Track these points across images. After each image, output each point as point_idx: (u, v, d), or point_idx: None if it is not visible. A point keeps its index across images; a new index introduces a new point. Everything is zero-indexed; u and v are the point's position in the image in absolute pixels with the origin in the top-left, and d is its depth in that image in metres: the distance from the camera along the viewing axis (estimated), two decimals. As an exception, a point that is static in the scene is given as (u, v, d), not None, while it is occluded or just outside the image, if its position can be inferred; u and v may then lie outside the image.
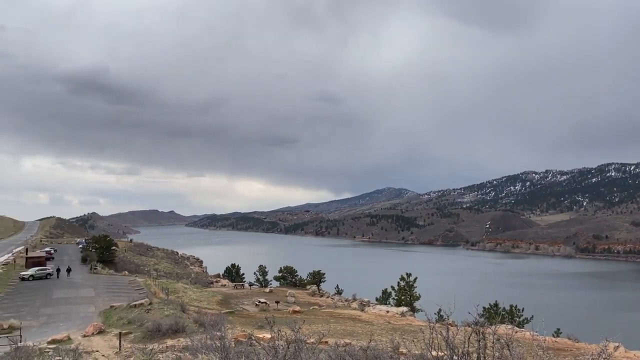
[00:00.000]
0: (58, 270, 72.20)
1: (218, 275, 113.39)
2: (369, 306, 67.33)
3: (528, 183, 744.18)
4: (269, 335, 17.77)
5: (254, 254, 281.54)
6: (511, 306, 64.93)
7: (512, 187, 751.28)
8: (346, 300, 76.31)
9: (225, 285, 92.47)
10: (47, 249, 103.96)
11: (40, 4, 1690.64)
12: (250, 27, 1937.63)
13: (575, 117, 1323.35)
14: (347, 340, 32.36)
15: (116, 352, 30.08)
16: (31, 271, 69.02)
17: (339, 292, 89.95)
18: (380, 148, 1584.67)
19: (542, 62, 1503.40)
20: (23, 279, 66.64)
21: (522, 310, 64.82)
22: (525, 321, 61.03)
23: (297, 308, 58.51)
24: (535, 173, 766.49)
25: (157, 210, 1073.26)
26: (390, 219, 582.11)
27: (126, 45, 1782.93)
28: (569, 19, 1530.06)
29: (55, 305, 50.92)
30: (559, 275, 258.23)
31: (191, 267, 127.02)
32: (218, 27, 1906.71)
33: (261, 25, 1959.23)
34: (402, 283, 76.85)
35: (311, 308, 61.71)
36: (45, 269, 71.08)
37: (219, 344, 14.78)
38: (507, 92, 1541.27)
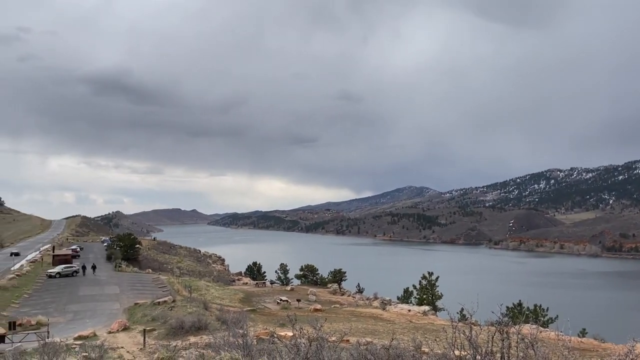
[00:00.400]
0: (84, 267, 73.58)
1: (240, 274, 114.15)
2: (390, 305, 67.09)
3: (552, 181, 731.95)
4: (290, 333, 17.83)
5: (275, 252, 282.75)
6: (535, 306, 64.00)
7: (536, 185, 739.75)
8: (367, 299, 76.17)
9: (246, 283, 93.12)
10: (74, 247, 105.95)
11: (64, 6, 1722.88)
12: (270, 26, 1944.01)
13: (601, 113, 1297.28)
14: (369, 339, 32.29)
15: (140, 349, 30.52)
16: (58, 269, 70.48)
17: (360, 291, 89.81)
18: (401, 146, 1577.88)
19: (567, 57, 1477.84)
20: (50, 276, 68.07)
21: (547, 309, 63.83)
22: (550, 321, 60.10)
23: (319, 306, 58.58)
24: (560, 171, 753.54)
25: (179, 209, 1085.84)
26: (412, 217, 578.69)
27: (148, 46, 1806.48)
28: (596, 13, 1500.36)
29: (81, 302, 51.93)
30: (584, 275, 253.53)
31: (213, 265, 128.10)
32: (238, 27, 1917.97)
33: (280, 24, 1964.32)
34: (424, 282, 76.42)
35: (332, 306, 61.75)
36: (72, 267, 72.47)
37: (241, 342, 14.89)
38: (530, 88, 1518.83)
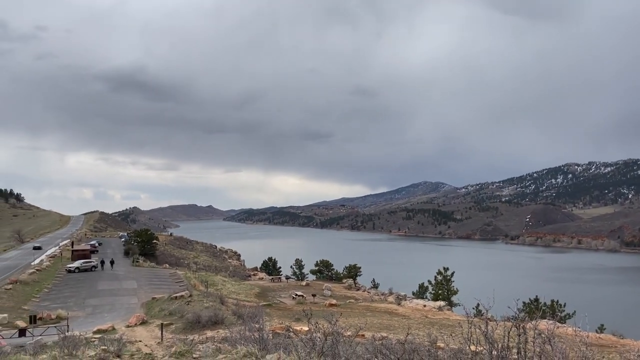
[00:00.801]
0: (102, 262, 74.63)
1: (255, 269, 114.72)
2: (405, 300, 66.99)
3: (570, 175, 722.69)
4: (306, 328, 17.94)
5: (291, 247, 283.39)
6: (552, 301, 63.37)
7: (553, 180, 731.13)
8: (382, 294, 76.09)
9: (262, 278, 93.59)
10: (92, 242, 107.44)
11: (80, 4, 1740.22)
12: (284, 22, 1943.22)
13: (620, 106, 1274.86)
14: (384, 334, 32.30)
15: (158, 343, 30.85)
16: (77, 263, 71.57)
17: (375, 286, 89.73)
18: (416, 141, 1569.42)
19: (585, 49, 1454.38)
20: (69, 271, 69.16)
21: (564, 305, 63.19)
22: (567, 316, 59.53)
23: (334, 301, 58.71)
24: (578, 165, 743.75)
25: (195, 205, 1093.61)
26: (427, 213, 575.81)
27: (163, 43, 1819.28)
28: (613, 4, 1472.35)
29: (100, 297, 52.67)
30: (603, 270, 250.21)
31: (229, 261, 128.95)
32: (252, 23, 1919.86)
33: (294, 20, 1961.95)
34: (439, 277, 76.13)
35: (347, 301, 61.82)
36: (90, 262, 73.55)
37: (257, 336, 15.00)
38: (547, 82, 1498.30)
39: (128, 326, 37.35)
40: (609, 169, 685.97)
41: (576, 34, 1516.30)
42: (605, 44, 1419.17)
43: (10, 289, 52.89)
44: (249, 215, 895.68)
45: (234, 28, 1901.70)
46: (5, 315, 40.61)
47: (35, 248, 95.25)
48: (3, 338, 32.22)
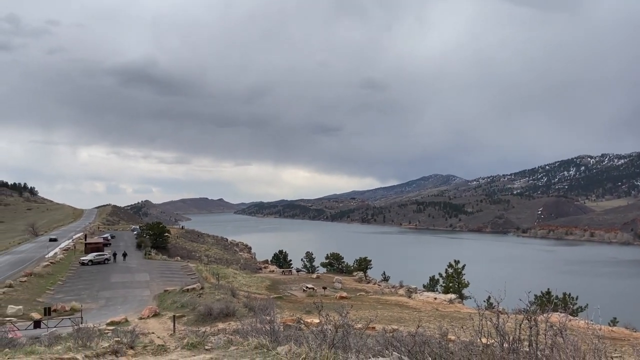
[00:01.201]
0: (115, 255, 75.45)
1: (266, 262, 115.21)
2: (416, 293, 66.99)
3: (583, 168, 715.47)
4: (317, 320, 18.01)
5: (301, 240, 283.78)
6: (564, 294, 62.99)
7: (565, 172, 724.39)
8: (393, 287, 76.16)
9: (273, 271, 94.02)
10: (105, 235, 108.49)
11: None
12: (293, 15, 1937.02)
13: (633, 98, 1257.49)
14: (395, 326, 32.35)
15: (170, 334, 31.14)
16: (90, 256, 72.40)
17: (385, 279, 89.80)
18: (426, 134, 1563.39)
19: (597, 41, 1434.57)
20: (83, 263, 69.99)
21: (576, 298, 62.76)
22: (579, 309, 59.06)
23: (344, 294, 58.87)
24: (591, 157, 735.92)
25: (206, 198, 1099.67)
26: (438, 205, 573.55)
27: (173, 37, 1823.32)
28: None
29: (113, 289, 53.23)
30: (615, 263, 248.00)
31: (240, 253, 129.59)
32: (261, 16, 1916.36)
33: (304, 13, 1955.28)
34: (450, 270, 75.98)
35: (358, 294, 61.96)
36: (103, 255, 74.36)
37: (269, 328, 15.08)
38: (559, 73, 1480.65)
39: (141, 318, 37.73)
40: (622, 161, 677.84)
41: (588, 25, 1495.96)
42: (617, 35, 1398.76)
43: (25, 281, 53.63)
44: (259, 209, 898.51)
45: (243, 22, 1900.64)
46: (21, 307, 41.21)
47: (51, 240, 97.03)
48: (18, 329, 32.71)
